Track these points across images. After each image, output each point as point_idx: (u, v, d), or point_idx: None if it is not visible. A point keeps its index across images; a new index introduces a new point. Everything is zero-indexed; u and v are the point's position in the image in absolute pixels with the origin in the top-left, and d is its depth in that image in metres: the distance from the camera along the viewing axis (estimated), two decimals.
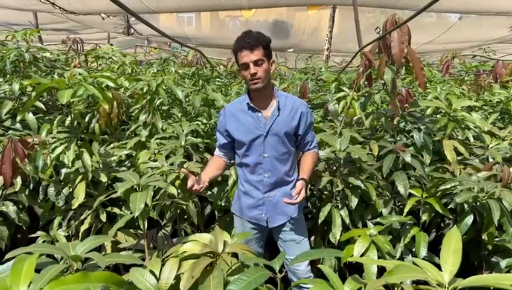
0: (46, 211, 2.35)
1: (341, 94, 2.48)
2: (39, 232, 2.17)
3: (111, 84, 2.21)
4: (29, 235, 2.20)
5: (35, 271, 0.85)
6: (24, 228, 2.33)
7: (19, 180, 2.13)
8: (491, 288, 1.25)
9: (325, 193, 2.41)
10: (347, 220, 2.16)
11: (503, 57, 6.80)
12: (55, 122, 2.46)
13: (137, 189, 1.70)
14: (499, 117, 3.32)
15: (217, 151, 2.02)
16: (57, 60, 4.58)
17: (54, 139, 2.18)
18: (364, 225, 2.25)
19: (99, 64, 5.12)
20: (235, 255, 1.35)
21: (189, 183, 1.69)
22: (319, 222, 2.14)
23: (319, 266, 1.20)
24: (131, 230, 2.19)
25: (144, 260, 1.70)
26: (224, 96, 3.11)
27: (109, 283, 0.91)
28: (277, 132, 1.83)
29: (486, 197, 1.86)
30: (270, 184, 1.89)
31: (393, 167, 2.21)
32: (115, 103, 2.62)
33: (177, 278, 1.18)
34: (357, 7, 3.45)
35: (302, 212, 2.02)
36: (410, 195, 2.13)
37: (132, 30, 11.09)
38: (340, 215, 2.16)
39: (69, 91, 1.80)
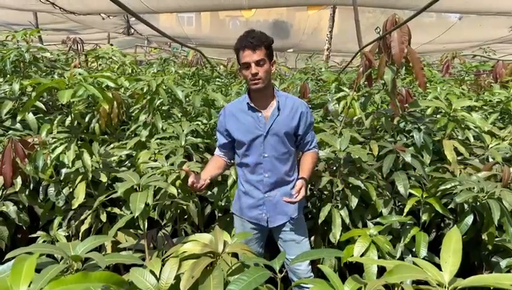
0: (46, 211, 2.35)
1: (341, 94, 2.48)
2: (39, 232, 2.17)
3: (111, 84, 2.21)
4: (30, 235, 2.20)
5: (35, 271, 0.86)
6: (24, 228, 2.33)
7: (19, 180, 2.13)
8: (491, 288, 1.25)
9: (325, 193, 2.41)
10: (347, 220, 2.17)
11: (503, 57, 6.79)
12: (55, 122, 2.46)
13: (138, 189, 1.70)
14: (499, 117, 3.32)
15: (217, 151, 2.02)
16: (57, 60, 4.58)
17: (54, 139, 2.18)
18: (365, 225, 2.25)
19: (100, 65, 5.12)
20: (235, 255, 1.35)
21: (190, 180, 1.69)
22: (319, 221, 2.14)
23: (319, 266, 1.20)
24: (131, 230, 2.19)
25: (144, 260, 1.70)
26: (224, 97, 3.11)
27: (109, 283, 0.91)
28: (277, 131, 1.83)
29: (486, 197, 1.86)
30: (270, 184, 1.89)
31: (393, 167, 2.21)
32: (115, 103, 2.62)
33: (177, 278, 1.18)
34: (357, 7, 3.45)
35: (302, 212, 2.02)
36: (410, 195, 2.13)
37: (132, 30, 11.09)
38: (340, 215, 2.17)
39: (69, 91, 1.80)
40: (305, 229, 2.02)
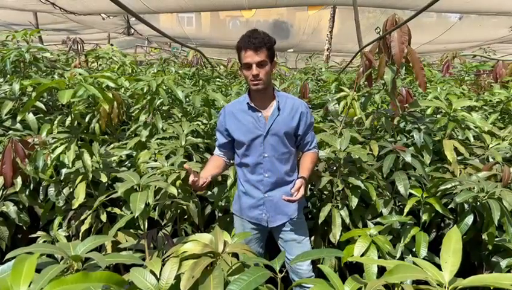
0: (47, 211, 2.35)
1: (341, 94, 2.48)
2: (39, 233, 2.17)
3: (111, 84, 2.21)
4: (30, 236, 2.20)
5: (35, 271, 0.86)
6: (24, 228, 2.33)
7: (19, 180, 2.13)
8: (491, 288, 1.25)
9: (325, 193, 2.41)
10: (347, 220, 2.16)
11: (503, 57, 6.79)
12: (56, 122, 2.46)
13: (138, 189, 1.70)
14: (499, 117, 3.32)
15: (216, 151, 2.02)
16: (57, 60, 4.58)
17: (54, 140, 2.18)
18: (365, 225, 2.25)
19: (100, 65, 5.13)
20: (235, 255, 1.35)
21: (191, 179, 1.70)
22: (319, 221, 2.14)
23: (319, 266, 1.21)
24: (131, 230, 2.19)
25: (144, 260, 1.70)
26: (225, 97, 3.11)
27: (109, 283, 0.91)
28: (277, 131, 1.83)
29: (486, 197, 1.86)
30: (270, 184, 1.89)
31: (393, 167, 2.21)
32: (115, 103, 2.62)
33: (178, 278, 1.18)
34: (357, 7, 3.45)
35: (302, 212, 2.03)
36: (411, 195, 2.13)
37: (132, 30, 11.10)
38: (340, 215, 2.17)
39: (70, 91, 1.80)
40: (306, 229, 2.02)
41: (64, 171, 2.24)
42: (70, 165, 2.08)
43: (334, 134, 2.32)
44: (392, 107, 2.52)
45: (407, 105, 2.60)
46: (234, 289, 1.02)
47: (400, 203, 2.34)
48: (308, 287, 1.91)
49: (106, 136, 2.97)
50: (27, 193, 2.26)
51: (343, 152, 2.11)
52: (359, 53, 2.95)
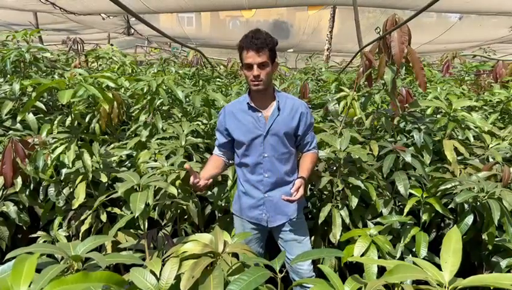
0: (47, 211, 2.35)
1: (341, 94, 2.48)
2: (40, 233, 2.17)
3: (111, 84, 2.21)
4: (30, 236, 2.20)
5: (35, 271, 0.86)
6: (24, 228, 2.33)
7: (19, 180, 2.13)
8: (491, 288, 1.25)
9: (325, 193, 2.41)
10: (347, 220, 2.17)
11: (504, 57, 6.79)
12: (56, 122, 2.45)
13: (138, 189, 1.70)
14: (499, 117, 3.32)
15: (215, 151, 2.02)
16: (57, 60, 4.58)
17: (55, 140, 2.18)
18: (365, 225, 2.25)
19: (100, 65, 5.13)
20: (235, 255, 1.35)
21: (192, 180, 1.70)
22: (319, 222, 2.14)
23: (319, 266, 1.21)
24: (131, 230, 2.19)
25: (144, 260, 1.70)
26: (225, 97, 3.11)
27: (110, 283, 0.91)
28: (277, 131, 1.83)
29: (486, 197, 1.86)
30: (270, 184, 1.89)
31: (393, 167, 2.21)
32: (115, 103, 2.62)
33: (178, 278, 1.18)
34: (357, 7, 3.45)
35: (302, 212, 2.03)
36: (411, 195, 2.13)
37: (132, 30, 11.10)
38: (341, 215, 2.17)
39: (70, 91, 1.80)
40: (306, 229, 2.02)
41: (64, 171, 2.24)
42: (71, 165, 2.08)
43: (334, 134, 2.32)
44: (392, 107, 2.52)
45: (407, 105, 2.60)
46: (234, 289, 1.03)
47: (399, 203, 2.34)
48: (308, 287, 1.92)
49: (106, 136, 2.97)
50: (27, 193, 2.26)
51: (343, 152, 2.11)
52: (359, 53, 2.95)
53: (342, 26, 9.79)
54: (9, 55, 2.84)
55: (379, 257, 1.83)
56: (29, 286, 0.82)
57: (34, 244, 1.19)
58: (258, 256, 1.53)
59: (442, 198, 2.08)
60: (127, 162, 2.65)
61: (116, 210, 2.22)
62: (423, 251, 1.94)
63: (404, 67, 2.22)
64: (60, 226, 2.29)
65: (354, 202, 2.12)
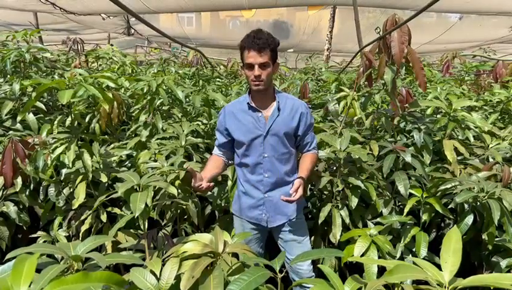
0: (47, 211, 2.35)
1: (341, 94, 2.48)
2: (40, 233, 2.17)
3: (111, 84, 2.21)
4: (30, 236, 2.20)
5: (36, 271, 0.86)
6: (25, 228, 2.33)
7: (19, 180, 2.13)
8: (491, 288, 1.25)
9: (325, 193, 2.41)
10: (347, 220, 2.16)
11: (504, 57, 6.79)
12: (56, 122, 2.46)
13: (138, 189, 1.70)
14: (499, 117, 3.32)
15: (215, 151, 2.02)
16: (57, 61, 4.58)
17: (55, 140, 2.18)
18: (365, 225, 2.25)
19: (100, 65, 5.13)
20: (235, 255, 1.35)
21: (194, 183, 1.71)
22: (319, 222, 2.14)
23: (319, 266, 1.21)
24: (131, 230, 2.19)
25: (144, 260, 1.70)
26: (225, 97, 3.11)
27: (110, 283, 0.91)
28: (277, 132, 1.83)
29: (486, 197, 1.86)
30: (270, 184, 1.89)
31: (393, 167, 2.21)
32: (115, 103, 2.62)
33: (178, 278, 1.18)
34: (357, 7, 3.45)
35: (302, 213, 2.03)
36: (411, 195, 2.13)
37: (132, 30, 11.10)
38: (341, 215, 2.17)
39: (70, 91, 1.80)
40: (306, 229, 2.02)
41: (64, 171, 2.24)
42: (71, 165, 2.08)
43: (334, 134, 2.32)
44: (392, 107, 2.52)
45: (407, 105, 2.60)
46: (234, 289, 1.03)
47: (400, 203, 2.34)
48: (308, 287, 1.92)
49: (106, 136, 2.97)
50: (27, 193, 2.26)
51: (343, 152, 2.11)
52: (359, 53, 2.95)
53: (342, 26, 9.80)
54: (9, 55, 2.84)
55: (379, 257, 1.83)
56: (29, 286, 0.82)
57: (34, 245, 1.19)
58: (258, 256, 1.53)
59: (442, 198, 2.08)
60: (127, 162, 2.65)
61: (116, 210, 2.22)
62: (423, 251, 1.94)
63: (404, 67, 2.22)
64: (60, 226, 2.29)
65: (354, 202, 2.12)
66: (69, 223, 2.26)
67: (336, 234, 2.12)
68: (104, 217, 2.19)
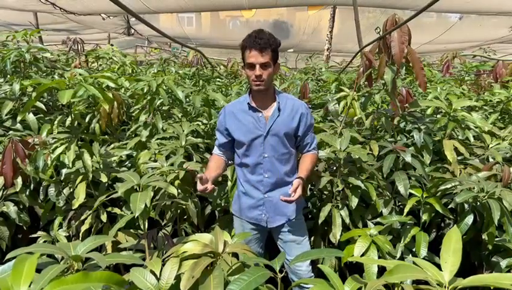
0: (47, 211, 2.35)
1: (341, 94, 2.48)
2: (40, 233, 2.17)
3: (111, 84, 2.21)
4: (30, 236, 2.20)
5: (36, 271, 0.86)
6: (25, 228, 2.33)
7: (19, 180, 2.13)
8: (491, 288, 1.25)
9: (325, 193, 2.41)
10: (347, 220, 2.16)
11: (504, 57, 6.79)
12: (56, 122, 2.46)
13: (138, 189, 1.71)
14: (499, 117, 3.32)
15: (215, 150, 2.02)
16: (57, 61, 4.58)
17: (55, 140, 2.18)
18: (365, 225, 2.25)
19: (100, 65, 5.13)
20: (235, 255, 1.35)
21: (200, 187, 1.71)
22: (319, 222, 2.14)
23: (319, 266, 1.21)
24: (131, 230, 2.19)
25: (144, 260, 1.71)
26: (225, 97, 3.11)
27: (110, 283, 0.91)
28: (277, 132, 1.83)
29: (486, 197, 1.86)
30: (270, 184, 1.89)
31: (393, 167, 2.21)
32: (115, 103, 2.62)
33: (178, 278, 1.18)
34: (357, 7, 3.45)
35: (301, 213, 2.02)
36: (411, 195, 2.13)
37: (132, 30, 11.11)
38: (341, 215, 2.17)
39: (70, 91, 1.80)
40: (305, 230, 2.02)
41: (64, 171, 2.25)
42: (71, 165, 2.08)
43: (334, 134, 2.32)
44: (392, 107, 2.52)
45: (407, 105, 2.60)
46: (234, 289, 1.03)
47: (400, 203, 2.34)
48: (307, 288, 1.91)
49: (106, 136, 2.97)
50: (27, 193, 2.27)
51: (343, 152, 2.11)
52: (359, 53, 2.95)
53: (342, 26, 9.80)
54: (10, 56, 2.84)
55: (379, 257, 1.83)
56: (30, 286, 0.83)
57: (34, 245, 1.19)
58: (258, 256, 1.53)
59: (442, 198, 2.08)
60: (127, 162, 2.65)
61: (116, 210, 2.22)
62: (423, 251, 1.94)
63: (404, 67, 2.22)
64: (60, 226, 2.29)
65: (354, 202, 2.12)
66: (69, 223, 2.27)
67: (336, 234, 2.12)
68: (104, 217, 2.19)
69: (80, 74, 2.39)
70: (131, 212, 1.59)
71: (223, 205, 2.40)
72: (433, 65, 7.48)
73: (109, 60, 5.06)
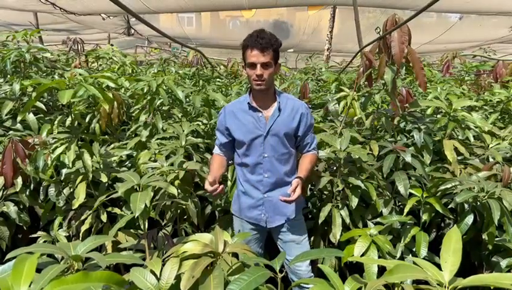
0: (47, 211, 2.35)
1: (341, 94, 2.48)
2: (40, 233, 2.17)
3: (111, 84, 2.21)
4: (30, 236, 2.20)
5: (36, 271, 0.86)
6: (25, 228, 2.33)
7: (19, 180, 2.13)
8: (492, 288, 1.25)
9: (325, 193, 2.41)
10: (347, 220, 2.17)
11: (504, 56, 6.79)
12: (56, 122, 2.46)
13: (138, 189, 1.71)
14: (499, 117, 3.32)
15: (216, 150, 2.02)
16: (57, 61, 4.58)
17: (55, 140, 2.18)
18: (365, 225, 2.25)
19: (100, 65, 5.13)
20: (235, 255, 1.35)
21: (210, 188, 1.71)
22: (319, 221, 2.14)
23: (319, 265, 1.21)
24: (131, 230, 2.19)
25: (144, 260, 1.71)
26: (225, 97, 3.11)
27: (110, 283, 0.91)
28: (277, 132, 1.83)
29: (486, 197, 1.86)
30: (270, 184, 1.89)
31: (393, 167, 2.21)
32: (115, 103, 2.62)
33: (178, 278, 1.18)
34: (357, 7, 3.45)
35: (301, 213, 2.02)
36: (411, 195, 2.13)
37: (132, 30, 11.11)
38: (341, 215, 2.17)
39: (70, 91, 1.80)
40: (305, 230, 2.02)
41: (64, 171, 2.25)
42: (71, 165, 2.08)
43: (334, 134, 2.32)
44: (392, 107, 2.52)
45: (407, 105, 2.60)
46: (234, 288, 1.03)
47: (400, 203, 2.34)
48: (307, 287, 1.91)
49: (106, 136, 2.97)
50: (27, 193, 2.27)
51: (343, 152, 2.11)
52: (359, 53, 2.95)
53: (342, 26, 9.80)
54: (10, 56, 2.84)
55: (379, 257, 1.83)
56: (30, 286, 0.83)
57: (34, 244, 1.19)
58: (258, 256, 1.53)
59: (442, 198, 2.08)
60: (127, 162, 2.65)
61: (117, 210, 2.22)
62: (423, 251, 1.94)
63: (404, 67, 2.22)
64: (60, 226, 2.29)
65: (354, 202, 2.12)
66: (69, 223, 2.27)
67: (336, 234, 2.12)
68: (104, 217, 2.19)
69: (80, 74, 2.39)
70: (131, 212, 1.59)
71: (223, 205, 2.40)
72: (433, 65, 7.48)
73: (109, 60, 5.06)
